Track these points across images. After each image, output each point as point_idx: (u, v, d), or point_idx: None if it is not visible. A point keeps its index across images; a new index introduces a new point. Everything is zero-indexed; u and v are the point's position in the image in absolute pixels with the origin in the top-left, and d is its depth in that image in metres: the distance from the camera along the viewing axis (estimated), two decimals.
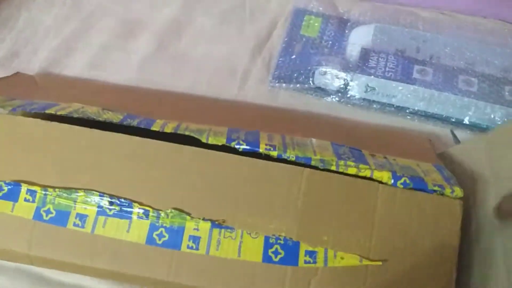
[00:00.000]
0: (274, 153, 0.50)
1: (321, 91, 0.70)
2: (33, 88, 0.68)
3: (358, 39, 0.74)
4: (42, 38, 0.77)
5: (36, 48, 0.75)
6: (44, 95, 0.65)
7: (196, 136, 0.51)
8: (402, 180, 0.49)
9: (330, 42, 0.75)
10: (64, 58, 0.75)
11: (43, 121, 0.52)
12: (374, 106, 0.69)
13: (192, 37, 0.78)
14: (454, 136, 0.66)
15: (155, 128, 0.53)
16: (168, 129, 0.53)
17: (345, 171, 0.49)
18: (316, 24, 0.78)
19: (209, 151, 0.50)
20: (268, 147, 0.51)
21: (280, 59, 0.74)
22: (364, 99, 0.69)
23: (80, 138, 0.52)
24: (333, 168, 0.49)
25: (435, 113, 0.67)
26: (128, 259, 0.47)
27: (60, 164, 0.51)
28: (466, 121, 0.66)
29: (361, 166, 0.49)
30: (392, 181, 0.49)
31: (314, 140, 0.55)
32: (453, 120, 0.67)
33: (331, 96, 0.70)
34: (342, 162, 0.49)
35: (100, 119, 0.53)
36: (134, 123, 0.53)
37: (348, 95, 0.69)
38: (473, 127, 0.67)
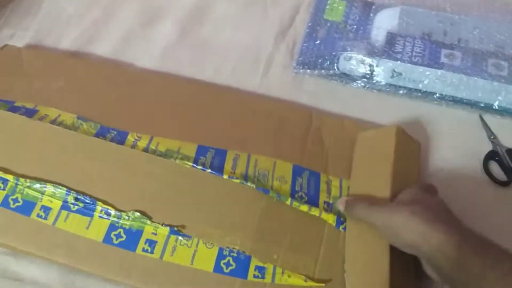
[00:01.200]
0: (237, 181, 0.54)
1: (346, 77, 0.69)
2: (19, 63, 0.68)
3: (383, 23, 0.73)
4: (65, 26, 0.77)
5: (59, 37, 0.75)
6: (30, 70, 0.67)
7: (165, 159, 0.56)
8: (344, 225, 0.52)
9: (355, 27, 0.74)
10: (87, 46, 0.74)
11: (27, 118, 0.58)
12: (401, 91, 0.68)
13: (214, 24, 0.77)
14: (483, 121, 0.65)
15: (127, 145, 0.57)
16: (139, 148, 0.57)
17: (297, 208, 0.53)
18: (340, 8, 0.77)
19: (181, 164, 0.55)
20: (231, 175, 0.55)
21: (304, 44, 0.73)
22: (390, 84, 0.68)
23: (59, 137, 0.57)
24: (287, 203, 0.53)
25: (464, 98, 0.66)
26: (83, 255, 0.50)
27: (37, 158, 0.55)
28: (495, 106, 0.65)
29: (312, 208, 0.53)
30: (335, 224, 0.53)
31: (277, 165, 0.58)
32: (482, 105, 0.65)
33: (357, 82, 0.69)
34: (296, 203, 0.53)
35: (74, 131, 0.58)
36: (107, 139, 0.57)
37: (374, 81, 0.68)
38: (503, 112, 0.65)
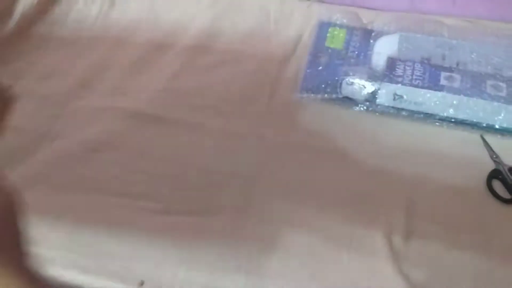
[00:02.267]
0: None
1: (349, 100, 0.71)
2: None
3: (383, 49, 0.75)
4: (77, 56, 0.79)
5: (70, 67, 0.77)
6: None
7: None
8: None
9: (356, 53, 0.76)
10: (98, 75, 0.76)
11: None
12: (403, 113, 0.69)
13: (220, 52, 0.80)
14: (485, 141, 0.66)
15: None
16: None
17: None
18: (341, 35, 0.79)
19: None
20: None
21: (308, 70, 0.75)
22: (392, 107, 0.70)
23: None
24: None
25: (465, 119, 0.67)
26: None
27: None
28: (496, 125, 0.66)
29: None
30: None
31: None
32: (484, 125, 0.67)
33: (359, 105, 0.71)
34: None
35: None
36: None
37: (376, 104, 0.70)
38: (504, 131, 0.66)
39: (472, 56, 0.72)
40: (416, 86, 0.69)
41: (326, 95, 0.71)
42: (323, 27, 0.81)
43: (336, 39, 0.79)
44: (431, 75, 0.70)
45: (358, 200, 0.61)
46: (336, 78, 0.72)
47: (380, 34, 0.78)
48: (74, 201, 0.61)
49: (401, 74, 0.70)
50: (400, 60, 0.72)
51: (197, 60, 0.78)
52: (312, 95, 0.72)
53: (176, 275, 0.54)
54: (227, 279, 0.54)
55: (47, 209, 0.60)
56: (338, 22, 0.82)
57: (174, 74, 0.77)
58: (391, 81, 0.70)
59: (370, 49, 0.76)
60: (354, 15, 0.82)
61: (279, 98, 0.73)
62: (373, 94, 0.70)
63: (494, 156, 0.65)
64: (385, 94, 0.69)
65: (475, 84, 0.68)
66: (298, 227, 0.59)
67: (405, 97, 0.69)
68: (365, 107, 0.71)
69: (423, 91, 0.68)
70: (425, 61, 0.72)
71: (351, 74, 0.72)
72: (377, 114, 0.70)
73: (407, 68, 0.71)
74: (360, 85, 0.71)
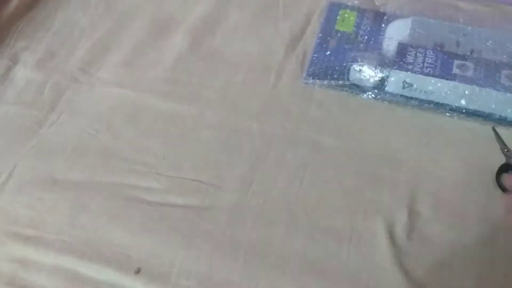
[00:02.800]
0: None
1: (357, 87, 0.69)
2: None
3: (395, 33, 0.72)
4: (78, 38, 0.78)
5: (73, 49, 0.76)
6: None
7: None
8: None
9: (366, 37, 0.73)
10: (100, 58, 0.75)
11: None
12: (412, 102, 0.67)
13: (226, 34, 0.77)
14: (497, 134, 0.64)
15: None
16: None
17: None
18: (351, 18, 0.76)
19: None
20: None
21: (315, 55, 0.73)
22: (401, 95, 0.67)
23: None
24: None
25: (476, 109, 0.65)
26: None
27: None
28: (509, 117, 0.64)
29: None
30: None
31: None
32: (496, 117, 0.64)
33: (367, 93, 0.68)
34: None
35: None
36: None
37: (385, 92, 0.68)
38: None
39: (488, 43, 0.69)
40: (427, 74, 0.66)
41: (333, 81, 0.69)
42: (334, 9, 0.78)
43: (347, 22, 0.76)
44: (443, 63, 0.67)
45: (360, 192, 0.60)
46: (344, 64, 0.70)
47: (392, 17, 0.75)
48: (73, 186, 0.60)
49: (412, 61, 0.68)
50: (411, 46, 0.69)
51: (203, 42, 0.76)
52: (319, 81, 0.70)
53: (174, 263, 0.54)
54: (224, 269, 0.54)
55: (45, 193, 0.59)
56: (349, 4, 0.79)
57: (179, 56, 0.75)
58: (401, 68, 0.67)
59: (381, 34, 0.73)
60: None
61: (284, 83, 0.71)
62: (382, 82, 0.67)
63: (505, 150, 0.62)
64: (394, 82, 0.67)
65: (489, 73, 0.65)
66: (297, 218, 0.57)
67: (415, 85, 0.66)
68: (373, 95, 0.68)
69: (434, 79, 0.66)
70: (438, 48, 0.69)
71: (359, 60, 0.69)
72: (386, 102, 0.68)
73: (419, 55, 0.68)
74: (369, 72, 0.68)
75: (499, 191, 0.59)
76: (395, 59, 0.68)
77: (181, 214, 0.58)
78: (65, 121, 0.67)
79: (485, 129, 0.65)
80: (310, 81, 0.70)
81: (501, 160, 0.62)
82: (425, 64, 0.67)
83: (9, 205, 0.59)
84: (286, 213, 0.58)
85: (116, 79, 0.72)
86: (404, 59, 0.68)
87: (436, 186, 0.60)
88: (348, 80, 0.69)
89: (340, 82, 0.69)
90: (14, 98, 0.70)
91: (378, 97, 0.68)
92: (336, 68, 0.70)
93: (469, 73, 0.66)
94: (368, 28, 0.75)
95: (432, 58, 0.68)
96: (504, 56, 0.67)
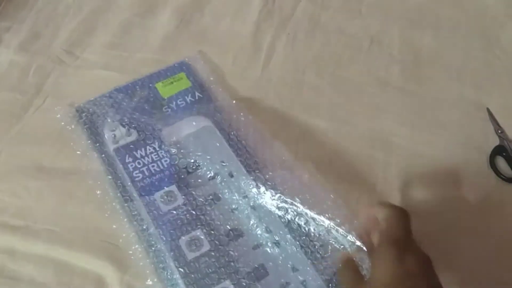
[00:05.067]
0: None
1: None
2: None
3: None
4: (62, 18, 0.75)
5: (57, 29, 0.73)
6: None
7: None
8: None
9: None
10: (86, 38, 0.73)
11: None
12: None
13: (215, 13, 0.75)
14: (491, 114, 0.63)
15: None
16: None
17: None
18: None
19: None
20: None
21: None
22: None
23: None
24: None
25: None
26: None
27: None
28: None
29: None
30: None
31: None
32: None
33: None
34: None
35: None
36: None
37: None
38: None
39: None
40: None
41: None
42: None
43: None
44: None
45: (352, 175, 0.59)
46: None
47: None
48: (59, 174, 0.59)
49: None
50: None
51: (191, 20, 0.74)
52: None
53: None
54: None
55: (31, 181, 0.58)
56: None
57: (167, 36, 0.73)
58: None
59: None
60: None
61: (275, 64, 0.69)
62: None
63: (499, 131, 0.62)
64: None
65: None
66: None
67: None
68: None
69: None
70: None
71: None
72: None
73: None
74: None
75: (493, 173, 0.59)
76: None
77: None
78: (51, 106, 0.65)
79: (479, 110, 0.64)
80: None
81: (495, 141, 0.61)
82: None
83: None
84: None
85: (103, 61, 0.70)
86: None
87: (429, 169, 0.60)
88: None
89: None
90: None
91: None
92: None
93: None
94: None
95: None
96: None
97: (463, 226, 0.55)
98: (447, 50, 0.71)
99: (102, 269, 0.52)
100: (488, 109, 0.63)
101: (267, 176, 0.54)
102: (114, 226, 0.54)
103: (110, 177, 0.57)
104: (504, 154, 0.60)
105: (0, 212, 0.56)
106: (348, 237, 0.47)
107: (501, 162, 0.60)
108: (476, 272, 0.52)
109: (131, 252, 0.53)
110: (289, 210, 0.51)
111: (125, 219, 0.54)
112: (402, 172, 0.59)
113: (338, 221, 0.48)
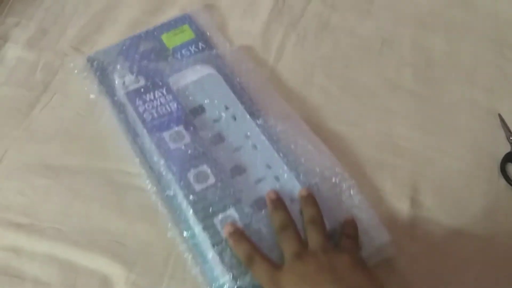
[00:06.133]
0: None
1: None
2: None
3: None
4: (71, 15, 0.75)
5: (65, 26, 0.73)
6: None
7: None
8: None
9: None
10: (94, 35, 0.72)
11: None
12: None
13: (224, 11, 0.75)
14: (503, 120, 0.62)
15: None
16: None
17: None
18: None
19: None
20: None
21: None
22: None
23: None
24: None
25: None
26: None
27: None
28: None
29: None
30: None
31: None
32: None
33: None
34: None
35: None
36: None
37: None
38: None
39: None
40: None
41: None
42: None
43: None
44: None
45: (360, 178, 0.58)
46: None
47: None
48: (66, 172, 0.58)
49: None
50: None
51: None
52: None
53: (170, 253, 0.53)
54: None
55: (38, 179, 0.58)
56: None
57: None
58: None
59: None
60: None
61: (285, 63, 0.69)
62: None
63: (511, 138, 0.61)
64: None
65: None
66: None
67: None
68: None
69: None
70: None
71: None
72: None
73: None
74: None
75: (503, 180, 0.58)
76: None
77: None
78: (58, 103, 0.65)
79: (491, 115, 0.63)
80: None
81: (507, 148, 0.60)
82: None
83: (0, 192, 0.57)
84: None
85: None
86: None
87: (439, 175, 0.59)
88: None
89: None
90: (5, 78, 0.67)
91: None
92: None
93: None
94: None
95: None
96: None
97: (472, 233, 0.54)
98: (459, 54, 0.70)
99: (108, 268, 0.52)
100: (500, 115, 0.63)
101: (270, 124, 0.59)
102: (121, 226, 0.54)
103: (121, 117, 0.60)
104: None
105: (6, 210, 0.56)
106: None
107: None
108: (482, 279, 0.52)
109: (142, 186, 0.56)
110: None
111: (136, 158, 0.58)
112: (411, 177, 0.58)
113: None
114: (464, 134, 0.62)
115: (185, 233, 0.52)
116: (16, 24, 0.73)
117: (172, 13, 0.74)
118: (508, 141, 0.61)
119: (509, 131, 0.61)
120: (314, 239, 0.48)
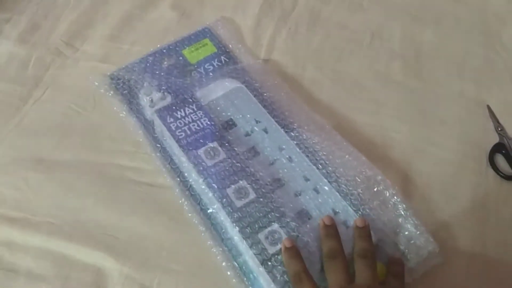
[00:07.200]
0: None
1: None
2: None
3: None
4: (62, 9, 0.75)
5: (56, 20, 0.73)
6: None
7: None
8: None
9: None
10: (85, 30, 0.73)
11: None
12: None
13: (216, 6, 0.75)
14: (491, 111, 0.63)
15: None
16: None
17: None
18: None
19: None
20: None
21: None
22: None
23: None
24: None
25: None
26: None
27: None
28: None
29: None
30: None
31: None
32: None
33: None
34: None
35: None
36: None
37: None
38: None
39: None
40: None
41: None
42: None
43: None
44: None
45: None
46: None
47: None
48: (59, 166, 0.59)
49: None
50: None
51: (192, 14, 0.74)
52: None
53: (163, 246, 0.53)
54: (213, 251, 0.53)
55: (30, 173, 0.58)
56: None
57: (168, 29, 0.72)
58: None
59: None
60: None
61: (276, 58, 0.69)
62: None
63: (499, 129, 0.61)
64: None
65: None
66: None
67: None
68: None
69: None
70: None
71: None
72: None
73: None
74: None
75: (492, 170, 0.59)
76: None
77: (170, 195, 0.57)
78: (50, 98, 0.65)
79: (479, 106, 0.64)
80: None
81: (495, 138, 0.61)
82: None
83: None
84: None
85: (102, 53, 0.70)
86: None
87: (429, 166, 0.59)
88: None
89: None
90: None
91: None
92: None
93: None
94: None
95: None
96: None
97: (461, 223, 0.55)
98: (448, 46, 0.71)
99: (101, 261, 0.52)
100: (488, 106, 0.63)
101: (304, 136, 0.58)
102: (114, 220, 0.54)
103: (150, 138, 0.60)
104: (503, 151, 0.60)
105: None
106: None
107: (500, 160, 0.60)
108: (473, 269, 0.52)
109: (179, 203, 0.55)
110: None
111: (168, 178, 0.57)
112: (401, 168, 0.59)
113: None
114: (453, 125, 0.63)
115: (226, 250, 0.52)
116: (7, 20, 0.73)
117: (163, 7, 0.75)
118: (497, 131, 0.61)
119: (498, 122, 0.62)
120: (362, 274, 0.46)
